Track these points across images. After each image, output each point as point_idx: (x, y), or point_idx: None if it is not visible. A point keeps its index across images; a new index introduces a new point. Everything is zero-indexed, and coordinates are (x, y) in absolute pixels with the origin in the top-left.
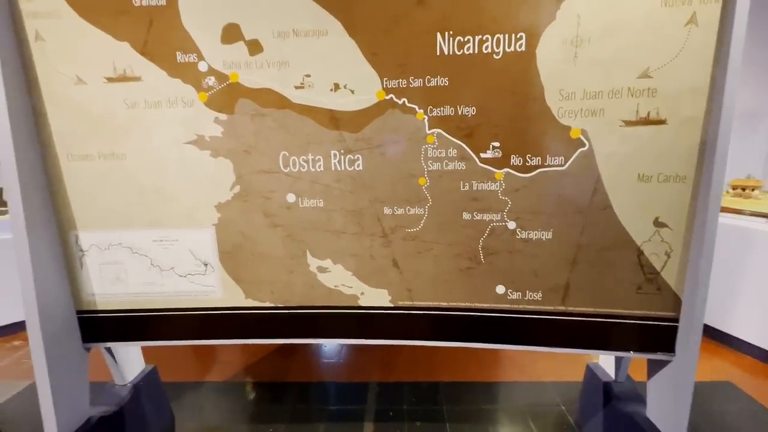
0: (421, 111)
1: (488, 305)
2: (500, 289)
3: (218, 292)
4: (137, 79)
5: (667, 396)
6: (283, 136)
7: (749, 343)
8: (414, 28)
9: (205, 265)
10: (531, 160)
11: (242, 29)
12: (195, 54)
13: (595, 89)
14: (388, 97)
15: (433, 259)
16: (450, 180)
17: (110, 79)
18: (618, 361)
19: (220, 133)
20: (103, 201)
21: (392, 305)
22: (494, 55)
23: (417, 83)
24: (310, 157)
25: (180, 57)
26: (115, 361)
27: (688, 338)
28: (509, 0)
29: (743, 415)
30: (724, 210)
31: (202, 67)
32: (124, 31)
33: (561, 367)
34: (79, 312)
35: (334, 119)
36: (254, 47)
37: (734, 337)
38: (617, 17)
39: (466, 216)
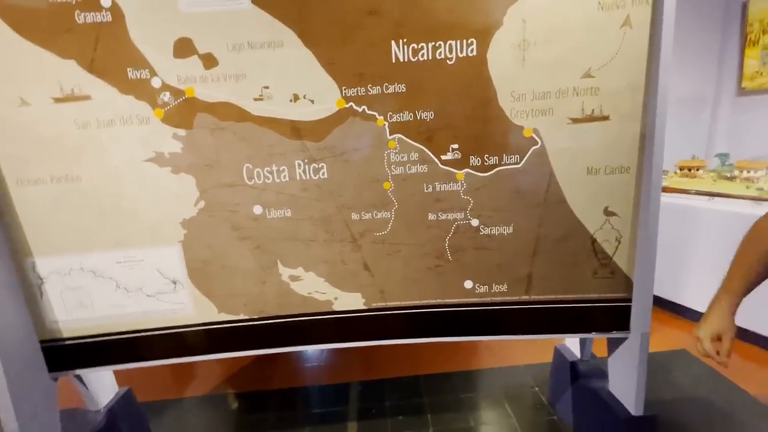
0: (381, 117)
1: (458, 300)
2: (468, 284)
3: (189, 308)
4: (86, 98)
5: (625, 370)
6: (245, 148)
7: (700, 312)
8: (369, 37)
9: (174, 282)
10: (489, 160)
11: (195, 43)
12: (147, 70)
13: (543, 90)
14: (348, 106)
15: (403, 260)
16: (414, 183)
17: (57, 100)
18: (582, 342)
19: (180, 149)
20: (60, 226)
21: (366, 307)
22: (448, 61)
23: (375, 91)
24: (274, 168)
25: (131, 73)
26: (86, 387)
27: (640, 316)
28: (459, 7)
29: (698, 380)
30: (673, 190)
31: (156, 83)
32: (68, 49)
33: (534, 350)
34: (42, 342)
35: (295, 129)
36: (209, 61)
37: (687, 308)
38: (559, 21)
39: (431, 216)
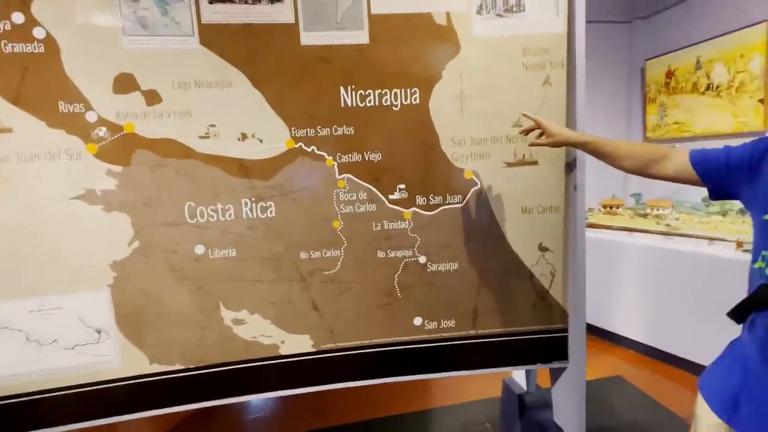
0: (331, 158)
1: (408, 338)
2: (417, 321)
3: (115, 361)
4: (8, 130)
5: (566, 399)
6: (188, 186)
7: (632, 339)
8: (319, 82)
9: (98, 332)
10: (434, 199)
11: (137, 79)
12: (81, 104)
13: (481, 136)
14: (297, 146)
15: (353, 299)
16: (363, 221)
17: None
18: (527, 373)
19: (115, 186)
20: None
21: (315, 350)
22: (393, 107)
23: (325, 132)
24: (220, 206)
25: (63, 107)
26: None
27: (576, 345)
28: (402, 60)
29: (633, 405)
30: (599, 226)
31: (91, 117)
32: None
33: (485, 384)
34: None
35: (243, 168)
36: (152, 97)
37: (620, 335)
38: (491, 78)
39: (380, 254)
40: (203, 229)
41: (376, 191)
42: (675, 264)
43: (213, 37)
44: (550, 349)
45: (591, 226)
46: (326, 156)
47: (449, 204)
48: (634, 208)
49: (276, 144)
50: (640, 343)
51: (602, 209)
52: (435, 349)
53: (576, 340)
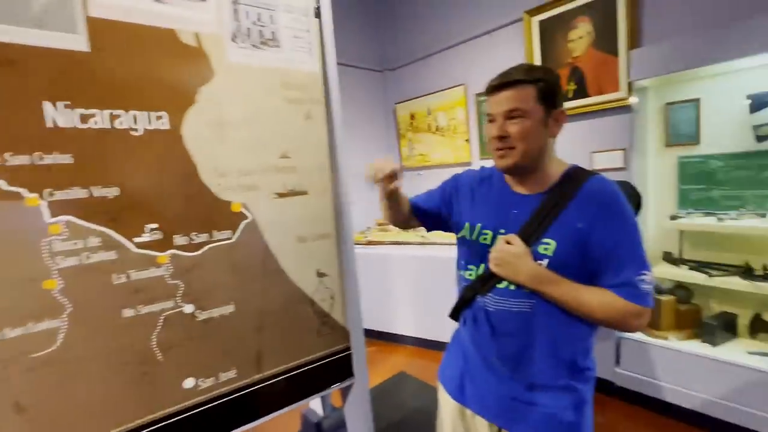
0: (34, 195)
1: (177, 407)
2: (189, 383)
3: None
4: None
5: (357, 413)
6: None
7: (410, 336)
8: (5, 94)
9: None
10: (197, 237)
11: None
12: None
13: (248, 167)
14: None
15: (87, 382)
16: (96, 275)
17: None
18: (323, 399)
19: None
20: None
21: None
22: (133, 132)
23: (18, 161)
24: None
25: None
26: None
27: (359, 360)
28: (141, 78)
29: (415, 395)
30: (375, 243)
31: None
32: None
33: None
34: None
35: None
36: None
37: (401, 335)
38: (254, 108)
39: (127, 313)
40: None
41: (115, 234)
42: (431, 267)
43: None
44: (338, 369)
45: (370, 243)
46: (25, 193)
47: (217, 241)
48: None
49: None
50: (417, 338)
51: (377, 227)
52: (216, 408)
53: (358, 354)
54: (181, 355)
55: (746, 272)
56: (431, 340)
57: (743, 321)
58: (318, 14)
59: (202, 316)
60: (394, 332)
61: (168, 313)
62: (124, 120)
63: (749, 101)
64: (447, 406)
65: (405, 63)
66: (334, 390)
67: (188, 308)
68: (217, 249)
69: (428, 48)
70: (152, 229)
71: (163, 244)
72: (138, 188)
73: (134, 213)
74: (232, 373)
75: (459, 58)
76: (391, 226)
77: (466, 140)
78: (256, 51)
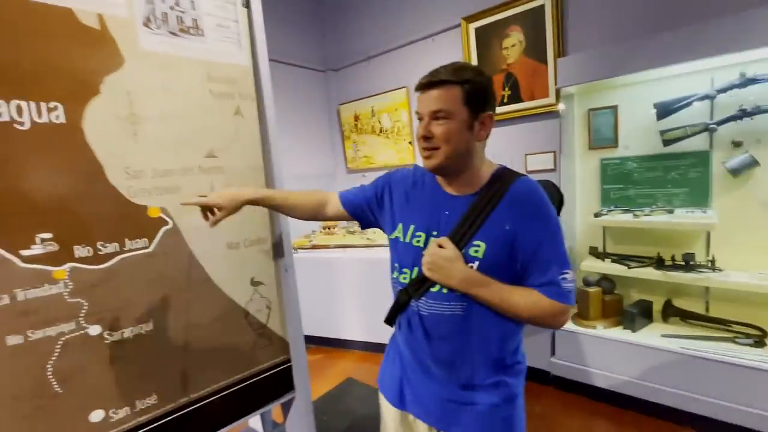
0: None
1: None
2: (97, 415)
3: None
4: None
5: (299, 428)
6: None
7: (357, 341)
8: None
9: None
10: (105, 248)
11: None
12: None
13: (166, 167)
14: None
15: None
16: None
17: None
18: (262, 416)
19: None
20: None
21: None
22: (17, 125)
23: None
24: None
25: None
26: None
27: (300, 371)
28: (24, 62)
29: (362, 401)
30: (320, 247)
31: None
32: None
33: None
34: None
35: None
36: None
37: (347, 340)
38: (173, 101)
39: (13, 341)
40: None
41: None
42: (377, 269)
43: None
44: (278, 383)
45: (314, 247)
46: None
47: (131, 250)
48: (346, 227)
49: None
50: (365, 342)
51: (323, 230)
52: None
53: (299, 366)
54: (86, 384)
55: (658, 263)
56: (380, 344)
57: (657, 307)
58: (247, 4)
59: (113, 337)
60: (341, 338)
61: (68, 336)
62: (4, 111)
63: (655, 109)
64: (389, 413)
65: (348, 64)
66: (275, 406)
67: (94, 330)
68: (130, 260)
69: (371, 49)
70: (45, 240)
71: (59, 257)
72: (27, 190)
73: (21, 220)
74: (151, 400)
75: (401, 60)
76: (336, 230)
77: (410, 142)
78: (174, 39)
